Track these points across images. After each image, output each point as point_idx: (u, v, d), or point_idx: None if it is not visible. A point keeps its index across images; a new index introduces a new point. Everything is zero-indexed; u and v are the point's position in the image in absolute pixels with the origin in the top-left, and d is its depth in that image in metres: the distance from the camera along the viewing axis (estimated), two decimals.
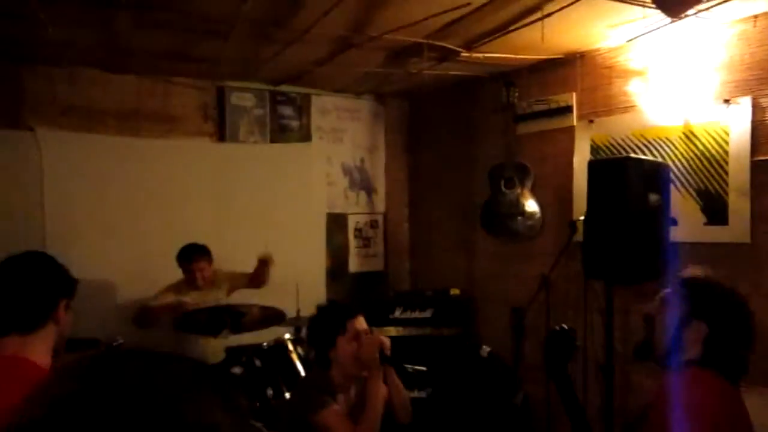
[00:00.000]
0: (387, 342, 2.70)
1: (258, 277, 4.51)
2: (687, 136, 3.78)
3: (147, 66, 4.63)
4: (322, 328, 2.77)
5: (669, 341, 2.00)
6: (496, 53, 4.25)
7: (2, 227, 4.20)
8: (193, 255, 4.35)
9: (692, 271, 2.16)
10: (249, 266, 4.85)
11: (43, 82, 4.40)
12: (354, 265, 5.73)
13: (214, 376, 0.69)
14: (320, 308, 2.95)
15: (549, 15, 3.52)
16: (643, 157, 3.81)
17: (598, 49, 4.29)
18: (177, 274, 4.40)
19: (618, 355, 3.93)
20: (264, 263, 4.47)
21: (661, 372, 2.10)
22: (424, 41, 4.04)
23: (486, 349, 4.89)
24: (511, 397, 4.64)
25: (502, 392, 4.65)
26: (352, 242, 5.73)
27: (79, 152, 4.50)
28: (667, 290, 2.10)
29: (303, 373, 3.94)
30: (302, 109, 5.48)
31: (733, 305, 2.00)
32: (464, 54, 4.24)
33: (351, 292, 5.59)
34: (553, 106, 4.59)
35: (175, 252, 4.41)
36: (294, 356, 3.97)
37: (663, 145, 3.90)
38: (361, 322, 2.74)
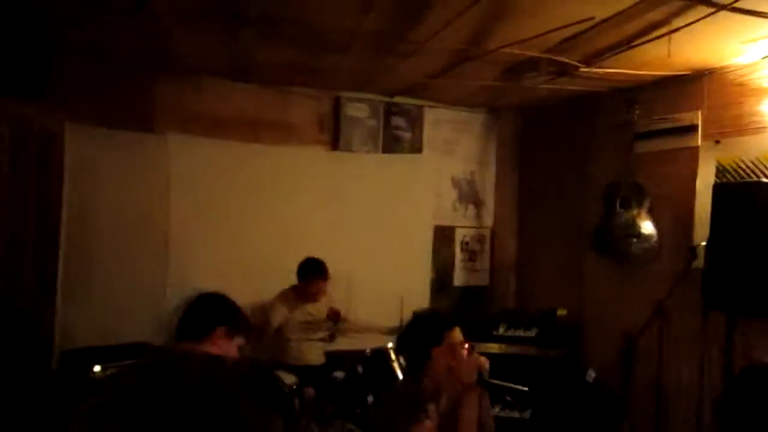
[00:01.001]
0: (486, 364, 2.62)
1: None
2: None
3: (268, 76, 4.84)
4: (418, 337, 2.71)
5: None
6: (618, 68, 4.12)
7: (131, 222, 4.50)
8: (312, 274, 4.51)
9: None
10: (354, 273, 4.98)
11: (172, 90, 4.69)
12: (459, 278, 5.70)
13: (270, 380, 0.73)
14: (417, 317, 2.92)
15: (676, 30, 3.37)
16: None
17: (728, 66, 4.05)
18: (289, 277, 4.54)
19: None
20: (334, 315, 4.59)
21: None
22: (543, 56, 3.98)
23: (592, 374, 4.72)
24: (616, 427, 4.45)
25: (607, 420, 4.47)
26: (458, 256, 5.71)
27: (203, 156, 4.75)
28: None
29: None
30: (415, 120, 5.53)
31: None
32: (584, 69, 4.14)
33: (454, 306, 5.56)
34: (677, 124, 4.38)
35: (287, 256, 4.57)
36: (395, 365, 4.00)
37: None
38: (457, 334, 2.67)
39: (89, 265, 4.40)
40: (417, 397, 2.63)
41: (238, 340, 2.26)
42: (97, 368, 3.75)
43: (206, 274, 4.68)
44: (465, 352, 2.69)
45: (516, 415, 4.53)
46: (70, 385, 3.65)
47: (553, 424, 4.53)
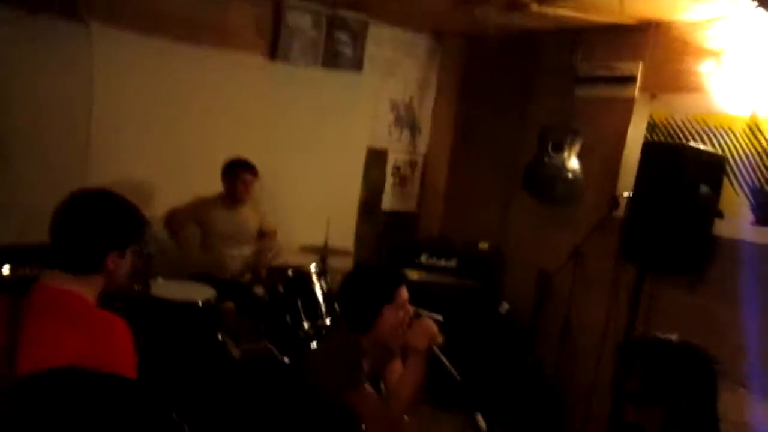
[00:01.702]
0: (439, 338, 2.51)
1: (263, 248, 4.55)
2: (751, 130, 3.61)
3: None
4: (368, 294, 2.55)
5: None
6: (568, 11, 4.07)
7: (50, 116, 4.23)
8: (239, 168, 4.39)
9: None
10: (282, 188, 4.93)
11: None
12: (387, 202, 5.70)
13: (152, 403, 0.69)
14: (364, 271, 2.76)
15: None
16: (702, 147, 3.67)
17: (675, 21, 4.06)
18: (215, 183, 4.43)
19: (638, 336, 3.91)
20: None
21: None
22: None
23: (505, 306, 4.92)
24: (524, 357, 4.68)
25: (516, 350, 4.69)
26: (389, 180, 5.68)
27: (131, 52, 4.44)
28: None
29: (323, 305, 4.00)
30: (358, 36, 5.33)
31: None
32: (535, 7, 4.06)
33: (380, 230, 5.60)
34: (617, 73, 4.41)
35: (215, 162, 4.44)
36: (316, 288, 4.03)
37: (725, 134, 3.73)
38: (405, 291, 2.58)
39: (4, 159, 4.14)
40: (354, 353, 2.53)
41: (132, 254, 1.88)
42: (5, 269, 3.60)
43: (130, 176, 4.50)
44: (410, 309, 2.58)
45: None
46: None
47: (464, 351, 4.71)
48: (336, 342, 2.79)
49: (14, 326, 1.64)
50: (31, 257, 3.81)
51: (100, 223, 1.81)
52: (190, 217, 4.47)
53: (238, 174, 4.39)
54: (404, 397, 2.49)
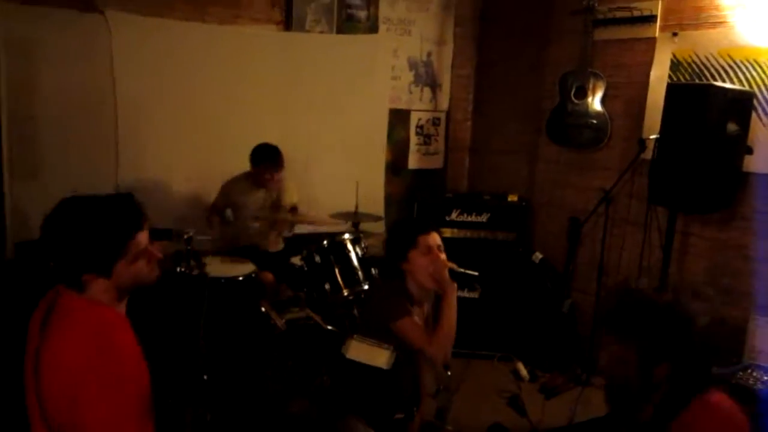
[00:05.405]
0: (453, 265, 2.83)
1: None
2: None
3: None
4: (395, 242, 2.87)
5: None
6: None
7: (76, 109, 4.31)
8: (264, 163, 4.41)
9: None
10: (308, 158, 4.98)
11: None
12: (413, 161, 5.72)
13: None
14: (395, 222, 3.02)
15: None
16: (727, 85, 3.61)
17: None
18: (241, 161, 4.49)
19: (671, 278, 3.94)
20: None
21: None
22: None
23: (538, 255, 4.96)
24: (559, 304, 4.74)
25: (551, 298, 4.75)
26: (413, 139, 5.69)
27: (147, 36, 4.48)
28: None
29: (360, 271, 4.09)
30: None
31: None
32: None
33: (409, 190, 5.64)
34: (636, 13, 4.33)
35: (239, 140, 4.50)
36: (352, 255, 4.11)
37: (750, 67, 3.67)
38: (434, 238, 2.81)
39: (37, 149, 4.22)
40: (402, 295, 2.79)
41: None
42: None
43: (157, 157, 4.59)
44: (443, 255, 2.82)
45: (467, 295, 4.77)
46: (28, 278, 3.64)
47: (502, 302, 4.81)
48: (383, 287, 3.07)
49: (44, 329, 1.68)
50: None
51: (78, 246, 1.74)
52: (223, 202, 4.57)
53: (264, 167, 4.41)
54: (445, 329, 2.69)
